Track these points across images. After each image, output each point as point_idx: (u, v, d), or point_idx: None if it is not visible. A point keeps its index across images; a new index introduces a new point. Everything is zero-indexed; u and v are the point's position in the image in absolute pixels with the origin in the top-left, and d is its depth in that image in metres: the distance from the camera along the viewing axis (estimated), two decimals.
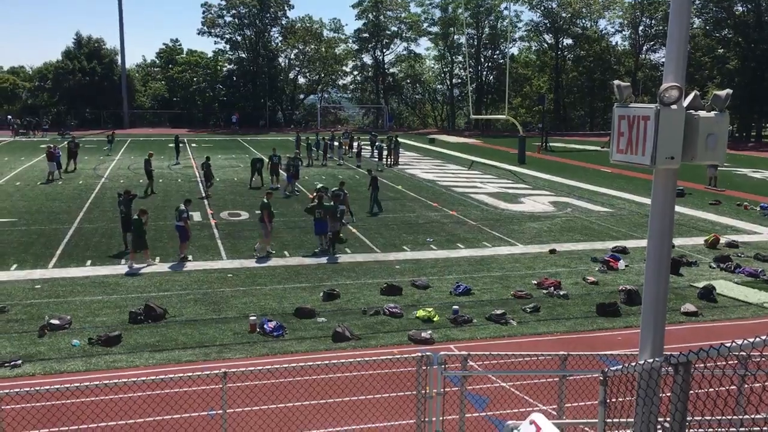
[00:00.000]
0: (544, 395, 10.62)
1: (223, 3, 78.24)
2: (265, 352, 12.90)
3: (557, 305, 15.86)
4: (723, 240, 22.21)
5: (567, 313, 15.39)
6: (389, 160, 42.06)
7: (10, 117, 64.18)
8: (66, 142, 40.47)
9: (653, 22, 78.57)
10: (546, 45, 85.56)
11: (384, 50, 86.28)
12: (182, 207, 19.49)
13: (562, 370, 8.33)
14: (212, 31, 79.64)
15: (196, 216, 24.42)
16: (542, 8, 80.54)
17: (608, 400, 6.02)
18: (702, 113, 4.96)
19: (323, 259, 19.49)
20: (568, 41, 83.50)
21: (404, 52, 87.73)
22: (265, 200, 20.03)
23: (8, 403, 7.83)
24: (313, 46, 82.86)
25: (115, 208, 23.40)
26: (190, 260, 19.01)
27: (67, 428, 9.51)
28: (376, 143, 48.67)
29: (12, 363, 11.99)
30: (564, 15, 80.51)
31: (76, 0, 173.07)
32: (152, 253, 18.94)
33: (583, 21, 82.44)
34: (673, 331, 13.30)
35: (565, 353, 8.32)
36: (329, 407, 9.86)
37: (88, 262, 18.72)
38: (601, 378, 6.05)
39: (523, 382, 11.35)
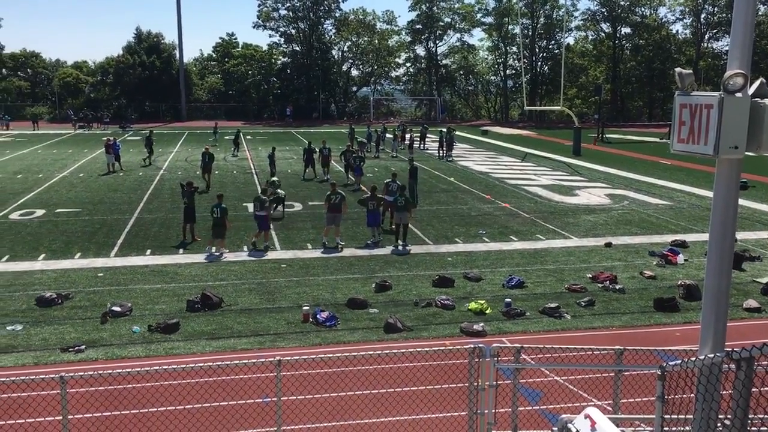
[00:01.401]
0: (598, 390, 10.45)
1: None
2: (318, 341, 13.05)
3: (613, 299, 15.57)
4: None
5: (623, 307, 15.10)
6: (441, 151, 41.88)
7: (70, 111, 66.38)
8: (144, 137, 41.57)
9: (716, 9, 75.89)
10: (603, 34, 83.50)
11: (437, 42, 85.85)
12: (263, 197, 20.00)
13: (618, 365, 8.18)
14: (267, 24, 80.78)
15: (250, 206, 24.80)
16: None
17: (666, 396, 5.89)
18: None
19: (376, 251, 19.57)
20: (626, 30, 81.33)
21: (457, 44, 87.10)
22: (342, 192, 20.41)
23: (73, 387, 8.14)
24: (366, 39, 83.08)
25: (174, 199, 24.05)
26: (250, 250, 19.33)
27: (128, 411, 9.84)
28: (426, 135, 48.58)
29: (76, 348, 12.46)
30: (622, 3, 78.44)
31: None
32: (207, 244, 19.37)
33: (642, 9, 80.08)
34: (735, 327, 12.90)
35: (621, 348, 8.17)
36: (381, 397, 9.92)
37: (148, 252, 19.26)
38: (659, 373, 5.92)
39: (578, 376, 11.20)
